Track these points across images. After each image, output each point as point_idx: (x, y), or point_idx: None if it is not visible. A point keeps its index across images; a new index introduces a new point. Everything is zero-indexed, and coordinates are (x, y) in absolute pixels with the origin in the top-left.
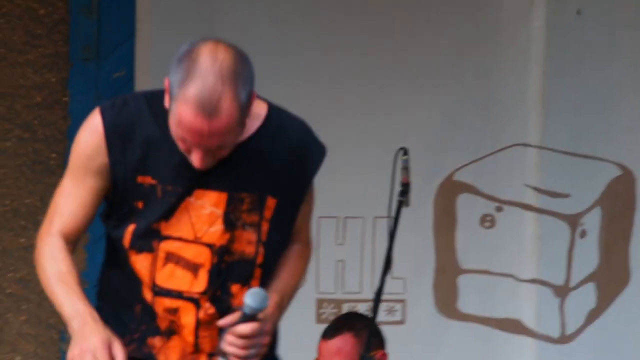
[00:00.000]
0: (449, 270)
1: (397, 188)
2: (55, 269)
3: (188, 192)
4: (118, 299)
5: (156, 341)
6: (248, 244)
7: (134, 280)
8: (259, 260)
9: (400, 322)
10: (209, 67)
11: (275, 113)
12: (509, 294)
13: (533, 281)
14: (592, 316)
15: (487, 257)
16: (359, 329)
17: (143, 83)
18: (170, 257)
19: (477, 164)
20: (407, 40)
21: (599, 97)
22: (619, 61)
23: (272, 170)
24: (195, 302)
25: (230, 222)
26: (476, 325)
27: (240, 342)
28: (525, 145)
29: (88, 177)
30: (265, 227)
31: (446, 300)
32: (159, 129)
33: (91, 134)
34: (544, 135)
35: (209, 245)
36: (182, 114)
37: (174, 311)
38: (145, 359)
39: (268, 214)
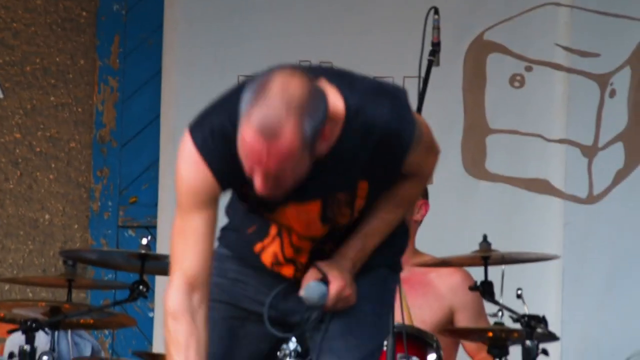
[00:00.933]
0: (477, 129)
1: (428, 47)
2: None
3: (284, 205)
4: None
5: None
6: (342, 216)
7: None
8: (351, 223)
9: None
10: (277, 94)
11: (354, 109)
12: (537, 154)
13: (561, 141)
14: (620, 176)
15: (516, 117)
16: None
17: None
18: (277, 236)
19: (508, 23)
20: None
21: None
22: None
23: (363, 165)
24: (294, 264)
25: (327, 218)
26: (504, 185)
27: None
28: (557, 4)
29: (201, 209)
30: (359, 202)
31: (474, 159)
32: None
33: (197, 170)
34: None
35: (310, 238)
36: (244, 134)
37: (279, 265)
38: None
39: (362, 193)
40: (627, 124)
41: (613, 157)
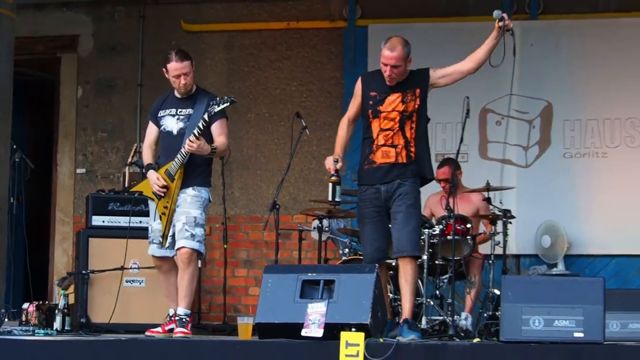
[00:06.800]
0: (483, 141)
1: (464, 111)
2: None
3: (388, 95)
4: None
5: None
6: (409, 104)
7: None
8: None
9: (465, 162)
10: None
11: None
12: (506, 149)
13: (515, 145)
14: (536, 158)
15: (497, 136)
16: (452, 163)
17: None
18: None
19: (495, 101)
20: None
21: (543, 87)
22: (558, 70)
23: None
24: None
25: (404, 100)
26: (494, 162)
27: None
28: (510, 95)
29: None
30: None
31: (482, 151)
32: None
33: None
34: (520, 87)
35: (398, 111)
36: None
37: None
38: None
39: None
40: (539, 139)
41: (534, 151)
